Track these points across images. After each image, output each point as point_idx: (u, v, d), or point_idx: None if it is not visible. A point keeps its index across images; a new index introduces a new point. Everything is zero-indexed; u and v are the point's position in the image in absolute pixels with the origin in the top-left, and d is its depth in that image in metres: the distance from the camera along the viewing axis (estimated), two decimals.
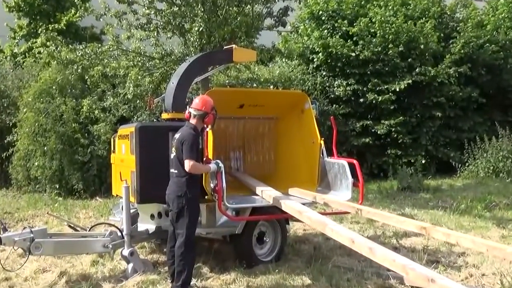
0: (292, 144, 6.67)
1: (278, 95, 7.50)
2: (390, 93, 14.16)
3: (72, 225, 6.18)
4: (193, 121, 5.08)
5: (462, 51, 14.95)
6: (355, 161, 5.89)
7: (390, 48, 14.32)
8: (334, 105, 14.45)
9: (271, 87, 13.72)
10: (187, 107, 5.24)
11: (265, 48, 11.50)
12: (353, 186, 5.69)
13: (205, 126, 5.19)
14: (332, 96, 14.65)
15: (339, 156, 6.34)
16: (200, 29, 9.40)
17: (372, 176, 14.31)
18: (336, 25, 14.97)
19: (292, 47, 15.19)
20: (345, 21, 14.84)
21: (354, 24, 14.73)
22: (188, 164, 4.78)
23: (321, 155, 6.13)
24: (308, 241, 7.14)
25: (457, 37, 15.28)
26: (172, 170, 5.06)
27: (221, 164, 5.09)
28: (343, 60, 14.63)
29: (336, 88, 14.69)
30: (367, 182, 12.20)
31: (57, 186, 11.90)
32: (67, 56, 10.70)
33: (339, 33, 14.99)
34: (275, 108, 6.72)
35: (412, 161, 14.10)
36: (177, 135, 5.02)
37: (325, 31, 15.17)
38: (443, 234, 4.14)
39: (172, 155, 5.08)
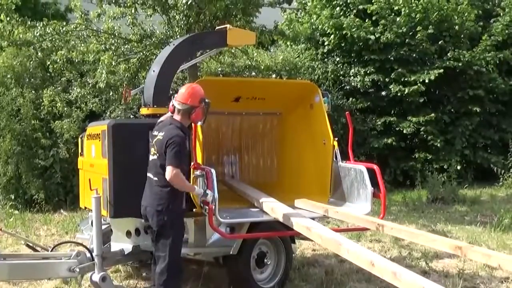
0: (299, 145, 6.68)
1: (281, 86, 7.51)
2: (419, 84, 14.17)
3: (30, 244, 6.16)
4: (177, 116, 4.92)
5: (506, 31, 14.96)
6: (375, 166, 5.88)
7: (417, 30, 14.33)
8: (350, 98, 14.49)
9: (274, 76, 13.74)
10: (172, 99, 5.17)
11: (266, 29, 11.51)
12: (373, 196, 5.69)
13: (192, 123, 5.12)
14: (348, 87, 14.69)
15: (356, 160, 6.34)
16: (189, 2, 9.38)
17: (396, 184, 14.34)
18: (349, 0, 14.98)
19: (298, 28, 15.21)
20: None
21: (373, 0, 14.75)
22: (170, 171, 4.63)
23: (334, 159, 6.13)
24: (319, 263, 7.15)
25: (501, 15, 15.27)
26: (150, 176, 4.94)
27: (210, 196, 4.90)
28: (360, 44, 14.66)
29: (352, 77, 14.72)
30: (390, 192, 12.22)
31: (13, 197, 11.85)
32: (21, 36, 10.65)
33: (354, 11, 15.00)
34: (278, 102, 6.72)
35: (445, 166, 14.13)
36: (159, 134, 4.88)
37: (337, 8, 15.19)
38: (482, 255, 4.14)
39: (151, 158, 4.96)
